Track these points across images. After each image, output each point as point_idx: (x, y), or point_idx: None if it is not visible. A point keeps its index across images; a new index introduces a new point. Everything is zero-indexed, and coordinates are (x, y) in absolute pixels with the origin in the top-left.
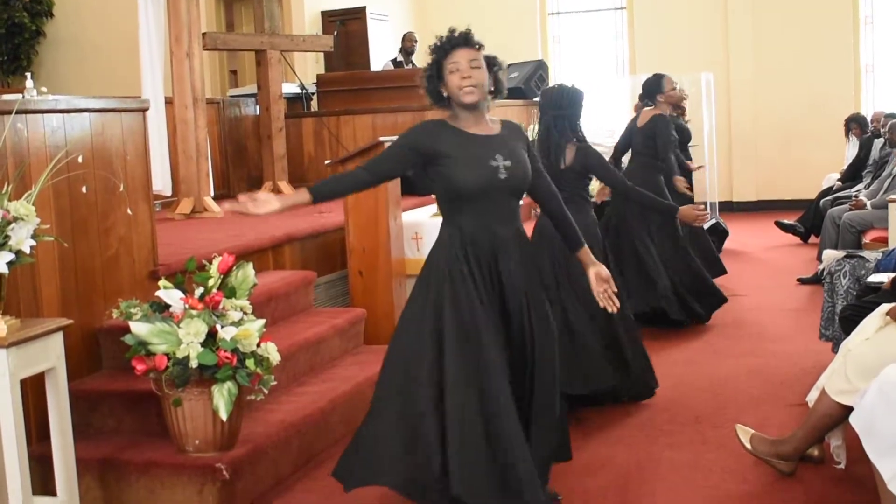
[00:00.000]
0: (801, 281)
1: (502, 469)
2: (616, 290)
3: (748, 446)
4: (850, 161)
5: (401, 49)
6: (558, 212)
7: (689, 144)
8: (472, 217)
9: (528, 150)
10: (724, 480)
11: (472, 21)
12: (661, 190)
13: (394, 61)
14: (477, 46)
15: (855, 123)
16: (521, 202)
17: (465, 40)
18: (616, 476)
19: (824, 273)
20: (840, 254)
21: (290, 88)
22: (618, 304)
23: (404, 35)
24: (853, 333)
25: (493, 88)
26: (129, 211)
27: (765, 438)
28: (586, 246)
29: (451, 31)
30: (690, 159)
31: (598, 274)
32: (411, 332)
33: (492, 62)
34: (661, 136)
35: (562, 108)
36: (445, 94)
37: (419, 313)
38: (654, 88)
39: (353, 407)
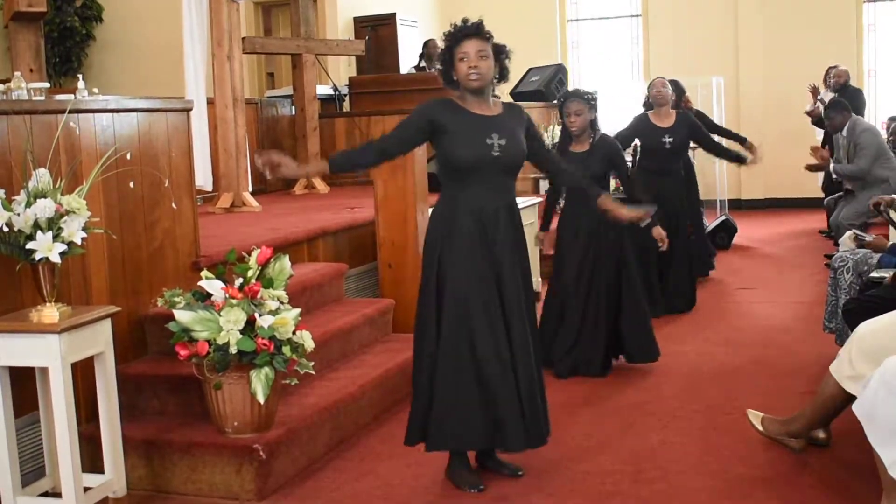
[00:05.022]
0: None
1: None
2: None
3: (760, 428)
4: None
5: (423, 55)
6: (562, 172)
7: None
8: (466, 189)
9: (529, 130)
10: (733, 464)
11: (495, 27)
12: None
13: (416, 67)
14: (486, 37)
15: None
16: (515, 179)
17: (475, 31)
18: (629, 459)
19: (833, 262)
20: (852, 234)
21: (324, 90)
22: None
23: (426, 42)
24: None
25: (498, 75)
26: (173, 205)
27: (775, 419)
28: (605, 193)
29: (465, 21)
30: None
31: (626, 211)
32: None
33: (499, 50)
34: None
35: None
36: (455, 78)
37: (426, 284)
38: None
39: (382, 392)
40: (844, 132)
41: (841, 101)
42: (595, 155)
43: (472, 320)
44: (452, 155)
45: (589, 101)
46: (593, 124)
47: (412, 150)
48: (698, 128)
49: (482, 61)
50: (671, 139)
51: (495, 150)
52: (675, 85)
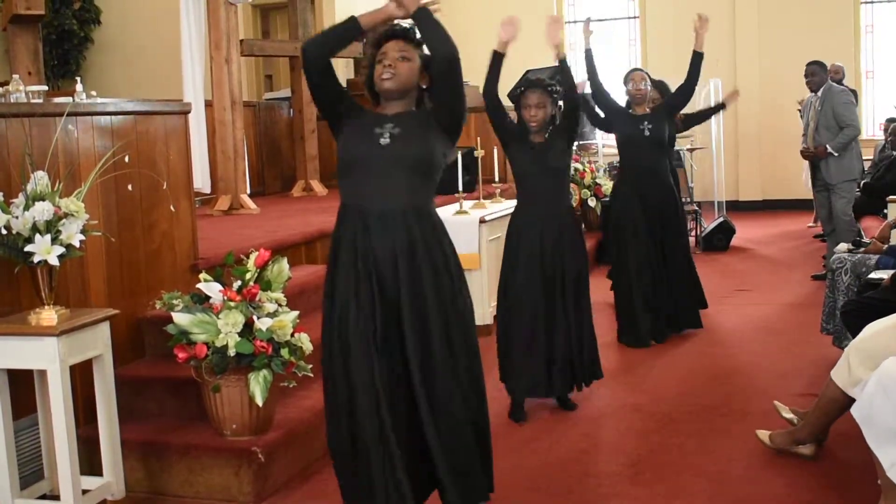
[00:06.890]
0: (815, 278)
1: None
2: None
3: (770, 444)
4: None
5: None
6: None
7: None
8: (352, 190)
9: (435, 116)
10: (730, 465)
11: (493, 29)
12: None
13: None
14: (414, 41)
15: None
16: (423, 180)
17: (402, 33)
18: (628, 461)
19: (831, 263)
20: (847, 246)
21: None
22: None
23: None
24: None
25: (425, 87)
26: (171, 208)
27: (781, 433)
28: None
29: (393, 24)
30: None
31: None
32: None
33: (430, 62)
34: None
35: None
36: (376, 88)
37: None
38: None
39: None
40: (820, 93)
41: (822, 62)
42: (555, 144)
43: (349, 352)
44: (340, 150)
45: (552, 92)
46: (553, 119)
47: (322, 88)
48: (673, 106)
49: (401, 63)
50: (650, 125)
51: (384, 137)
52: (661, 85)
